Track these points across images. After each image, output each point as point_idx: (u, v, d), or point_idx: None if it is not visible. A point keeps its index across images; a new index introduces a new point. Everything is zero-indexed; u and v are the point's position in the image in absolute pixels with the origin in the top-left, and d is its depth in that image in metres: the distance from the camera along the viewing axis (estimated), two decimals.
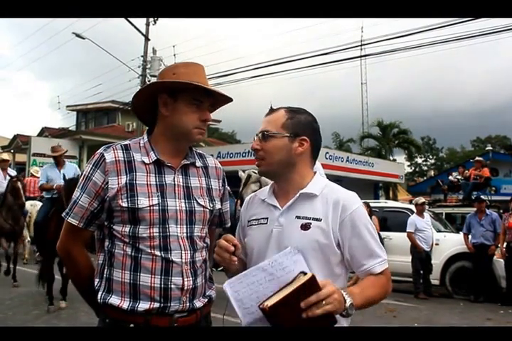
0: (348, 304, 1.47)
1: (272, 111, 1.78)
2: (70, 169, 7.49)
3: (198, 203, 1.75)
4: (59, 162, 7.49)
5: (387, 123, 28.19)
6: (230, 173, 1.93)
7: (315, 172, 1.79)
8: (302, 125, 1.74)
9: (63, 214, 1.75)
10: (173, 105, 1.72)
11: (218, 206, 1.85)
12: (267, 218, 1.74)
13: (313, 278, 1.42)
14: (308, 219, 1.66)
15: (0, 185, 8.67)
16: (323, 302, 1.41)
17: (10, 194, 8.07)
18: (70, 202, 1.72)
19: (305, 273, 1.47)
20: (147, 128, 1.85)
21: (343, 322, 1.60)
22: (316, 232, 1.63)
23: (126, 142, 1.78)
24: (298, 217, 1.68)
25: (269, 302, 1.42)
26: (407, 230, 8.67)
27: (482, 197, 9.76)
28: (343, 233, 1.64)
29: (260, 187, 4.32)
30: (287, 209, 1.71)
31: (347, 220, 1.64)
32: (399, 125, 28.24)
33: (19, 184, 8.09)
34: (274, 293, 1.47)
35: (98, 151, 1.73)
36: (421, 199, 9.24)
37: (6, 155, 10.08)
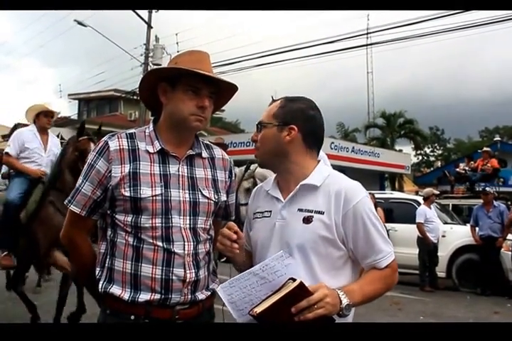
0: (344, 305, 1.47)
1: (272, 101, 1.78)
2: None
3: (203, 194, 1.73)
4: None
5: (392, 113, 28.01)
6: (234, 163, 1.96)
7: (319, 161, 1.74)
8: (292, 113, 1.70)
9: (65, 201, 1.74)
10: (172, 93, 1.70)
11: (224, 198, 1.83)
12: (270, 211, 1.72)
13: (301, 284, 1.43)
14: (311, 211, 1.62)
15: (41, 160, 5.06)
16: (315, 306, 1.42)
17: (69, 167, 4.35)
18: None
19: (294, 280, 1.46)
20: (152, 117, 1.84)
21: (347, 317, 1.57)
22: (318, 226, 1.59)
23: (132, 130, 1.77)
24: (300, 210, 1.63)
25: (258, 309, 1.44)
26: (417, 220, 8.55)
27: (488, 188, 9.60)
28: (347, 226, 1.59)
29: (254, 184, 4.19)
30: (289, 202, 1.67)
31: (350, 213, 1.59)
32: (404, 114, 28.06)
33: (91, 145, 4.27)
34: (264, 298, 1.49)
35: (103, 139, 1.72)
36: (434, 191, 9.16)
37: (49, 105, 5.26)
